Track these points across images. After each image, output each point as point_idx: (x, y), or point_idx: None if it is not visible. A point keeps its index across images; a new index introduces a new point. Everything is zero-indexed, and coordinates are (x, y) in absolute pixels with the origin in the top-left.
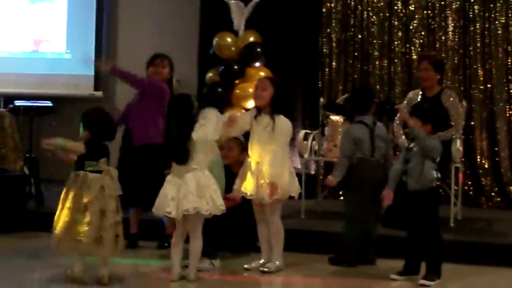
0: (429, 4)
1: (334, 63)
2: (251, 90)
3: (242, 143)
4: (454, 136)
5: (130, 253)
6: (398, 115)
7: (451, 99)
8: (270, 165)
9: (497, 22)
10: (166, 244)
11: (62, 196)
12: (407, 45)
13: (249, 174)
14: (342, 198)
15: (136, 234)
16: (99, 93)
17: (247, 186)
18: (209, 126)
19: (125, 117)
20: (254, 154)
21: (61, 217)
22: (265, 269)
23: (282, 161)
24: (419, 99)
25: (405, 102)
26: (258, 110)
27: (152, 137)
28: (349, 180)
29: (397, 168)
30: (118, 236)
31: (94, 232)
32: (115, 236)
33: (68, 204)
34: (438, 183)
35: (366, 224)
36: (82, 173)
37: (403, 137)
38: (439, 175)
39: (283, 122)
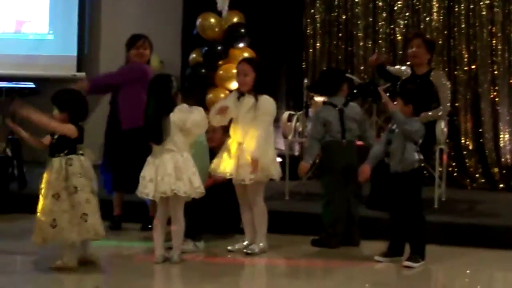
0: None
1: (318, 44)
2: (234, 71)
3: (225, 125)
4: (440, 115)
5: (114, 235)
6: None
7: (441, 79)
8: (254, 142)
9: (481, 3)
10: (150, 226)
11: (55, 184)
12: (392, 26)
13: (225, 154)
14: None
15: (120, 216)
16: (82, 74)
17: (226, 166)
18: (194, 117)
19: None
20: (237, 135)
21: (58, 206)
22: (249, 251)
23: (266, 140)
24: (407, 73)
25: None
26: (241, 92)
27: (140, 120)
28: (321, 163)
29: (377, 148)
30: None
31: (78, 215)
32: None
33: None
34: (422, 165)
35: (343, 206)
36: (75, 157)
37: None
38: (422, 157)
39: (267, 102)
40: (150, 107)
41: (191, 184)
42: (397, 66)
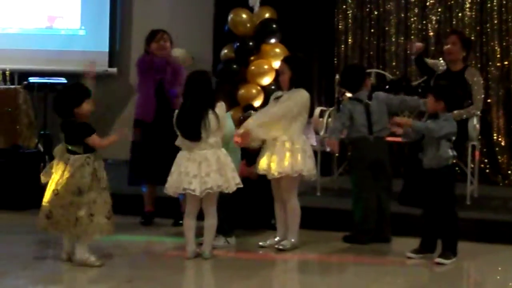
0: None
1: (350, 40)
2: (266, 66)
3: None
4: (473, 113)
5: (146, 231)
6: None
7: (475, 77)
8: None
9: None
10: (181, 222)
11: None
12: (424, 22)
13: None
14: None
15: (151, 212)
16: (113, 70)
17: (261, 162)
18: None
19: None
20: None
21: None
22: (280, 247)
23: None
24: (443, 68)
25: (430, 59)
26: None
27: None
28: (350, 160)
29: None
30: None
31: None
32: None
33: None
34: (454, 161)
35: (373, 202)
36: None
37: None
38: (455, 153)
39: (298, 92)
40: (190, 104)
41: (234, 180)
42: (435, 60)
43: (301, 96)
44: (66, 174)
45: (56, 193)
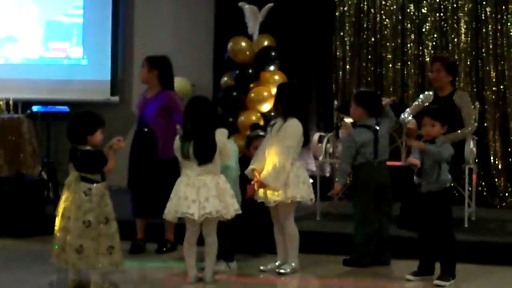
0: (442, 6)
1: (348, 66)
2: (266, 93)
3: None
4: (466, 134)
5: (144, 257)
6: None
7: (464, 99)
8: (270, 168)
9: (509, 24)
10: (164, 249)
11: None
12: (420, 48)
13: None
14: None
15: (143, 240)
16: (115, 98)
17: (259, 190)
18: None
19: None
20: (269, 158)
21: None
22: (281, 271)
23: (283, 166)
24: (431, 100)
25: (415, 103)
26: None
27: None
28: (353, 184)
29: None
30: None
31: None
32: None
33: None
34: (451, 184)
35: (375, 226)
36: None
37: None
38: (450, 176)
39: (291, 125)
40: (193, 128)
41: (232, 206)
42: (416, 103)
43: (295, 130)
44: (94, 205)
45: (88, 225)
